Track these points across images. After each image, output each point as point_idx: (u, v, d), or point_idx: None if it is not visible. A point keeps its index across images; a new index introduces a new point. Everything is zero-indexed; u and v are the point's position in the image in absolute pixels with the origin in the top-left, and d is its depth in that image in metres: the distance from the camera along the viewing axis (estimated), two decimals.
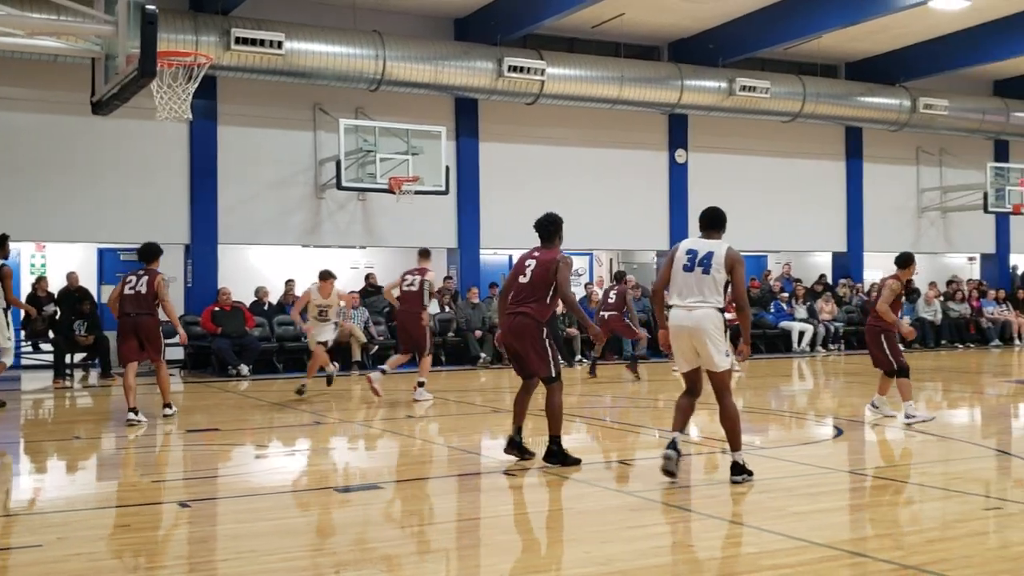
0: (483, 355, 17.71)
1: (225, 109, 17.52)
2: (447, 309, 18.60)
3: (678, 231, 21.21)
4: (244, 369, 15.93)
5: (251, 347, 16.15)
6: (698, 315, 6.99)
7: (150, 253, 11.00)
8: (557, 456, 7.73)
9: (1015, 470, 8.00)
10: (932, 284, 23.01)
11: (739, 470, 7.14)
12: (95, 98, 10.77)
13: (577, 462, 7.72)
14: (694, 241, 7.26)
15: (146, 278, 10.74)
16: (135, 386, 10.69)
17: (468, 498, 7.13)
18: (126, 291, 10.72)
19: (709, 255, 7.05)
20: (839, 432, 10.10)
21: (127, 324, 10.66)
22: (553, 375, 7.68)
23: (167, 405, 11.05)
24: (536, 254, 7.81)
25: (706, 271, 7.01)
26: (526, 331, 7.67)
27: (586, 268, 22.27)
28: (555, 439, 7.73)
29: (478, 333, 18.00)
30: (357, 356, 16.73)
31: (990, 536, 5.80)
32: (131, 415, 10.55)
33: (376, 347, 17.24)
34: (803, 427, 10.71)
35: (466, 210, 19.33)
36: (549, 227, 7.88)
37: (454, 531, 6.15)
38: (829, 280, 23.12)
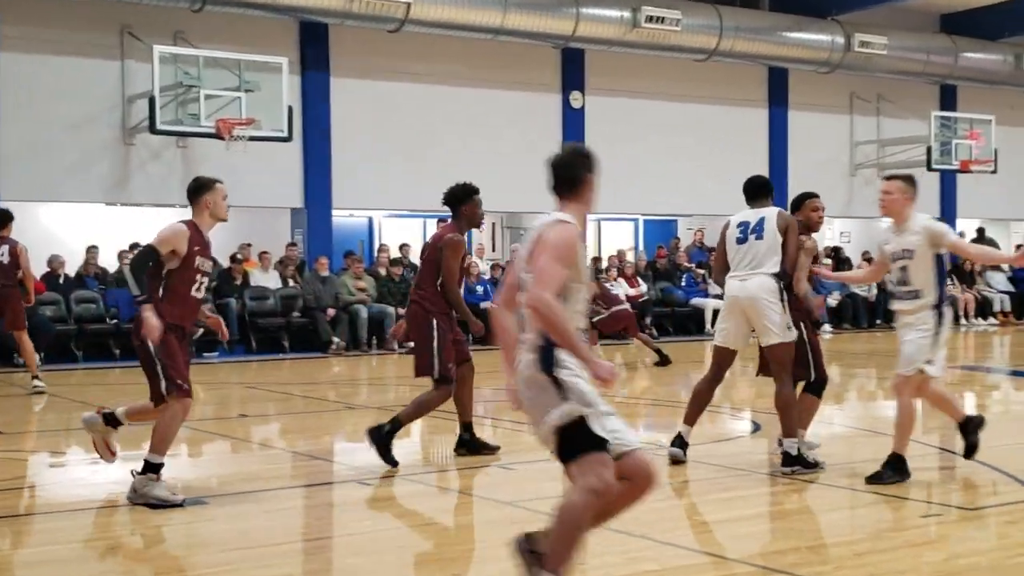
0: (336, 340, 17.60)
1: (8, 32, 16.88)
2: (291, 283, 18.40)
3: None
4: (36, 358, 15.42)
5: (42, 330, 15.63)
6: (752, 285, 7.76)
7: (2, 219, 12.27)
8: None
9: (960, 471, 8.39)
10: (866, 254, 23.85)
11: (790, 460, 7.76)
12: None
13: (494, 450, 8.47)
14: (744, 214, 8.15)
15: (6, 247, 12.07)
16: None
17: (316, 514, 7.10)
18: None
19: (761, 221, 7.95)
20: (757, 427, 10.41)
21: None
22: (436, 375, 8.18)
23: (36, 377, 12.31)
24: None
25: (759, 237, 7.87)
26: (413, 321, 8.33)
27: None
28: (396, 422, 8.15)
29: (330, 312, 17.87)
30: None
31: (929, 547, 6.08)
32: None
33: (200, 331, 16.90)
34: (716, 421, 10.99)
35: (315, 161, 19.11)
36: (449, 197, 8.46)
37: (299, 553, 6.13)
38: None
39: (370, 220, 21.97)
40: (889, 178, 7.68)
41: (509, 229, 23.77)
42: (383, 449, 8.01)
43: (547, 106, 21.47)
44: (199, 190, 7.20)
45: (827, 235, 26.33)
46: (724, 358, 8.18)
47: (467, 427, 8.50)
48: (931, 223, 7.44)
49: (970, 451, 7.87)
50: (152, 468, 6.88)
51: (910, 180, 7.60)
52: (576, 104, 21.65)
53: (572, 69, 21.60)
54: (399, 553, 6.15)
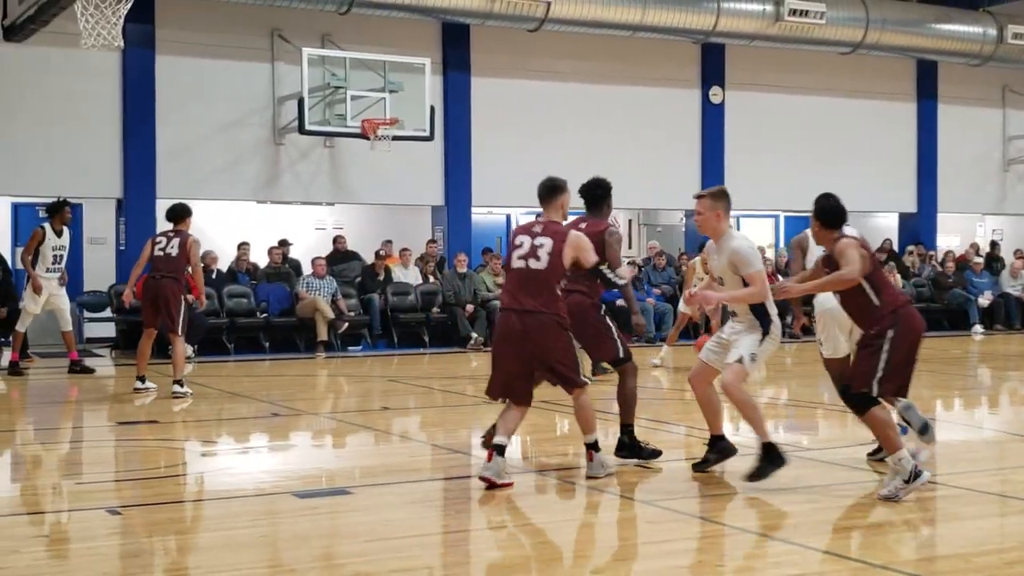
0: (474, 335, 17.75)
1: (164, 35, 17.45)
2: (431, 280, 18.62)
3: (711, 184, 21.16)
4: (188, 350, 15.96)
5: (197, 324, 16.15)
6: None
7: (179, 213, 12.22)
8: (628, 448, 8.01)
9: None
10: (1019, 252, 22.98)
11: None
12: (7, 21, 10.73)
13: (655, 454, 8.01)
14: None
15: (177, 240, 11.97)
16: (148, 354, 12.09)
17: (456, 507, 7.16)
18: (156, 252, 11.94)
19: None
20: (904, 431, 10.10)
21: (149, 286, 11.95)
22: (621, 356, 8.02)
23: (177, 382, 11.78)
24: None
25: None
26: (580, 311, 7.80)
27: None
28: (626, 428, 8.03)
29: (469, 308, 18.03)
30: (323, 335, 16.77)
31: None
32: (138, 383, 11.99)
33: (346, 325, 17.27)
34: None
35: (455, 160, 19.30)
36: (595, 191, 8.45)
37: (438, 545, 6.19)
38: (895, 247, 23.10)
39: (508, 217, 22.08)
40: (698, 197, 7.56)
41: (646, 226, 23.63)
42: (640, 453, 7.96)
43: (686, 102, 21.26)
44: None
45: (979, 232, 25.50)
46: (834, 366, 8.45)
47: (627, 428, 8.11)
48: (737, 247, 7.31)
49: (701, 465, 7.56)
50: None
51: (717, 195, 7.52)
52: (716, 100, 21.38)
53: (712, 64, 21.34)
54: (538, 548, 6.16)
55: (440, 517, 6.94)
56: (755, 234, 23.54)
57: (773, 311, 7.36)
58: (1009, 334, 20.83)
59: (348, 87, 17.08)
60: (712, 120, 21.35)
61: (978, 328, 20.94)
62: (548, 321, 7.22)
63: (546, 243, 7.32)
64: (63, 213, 13.82)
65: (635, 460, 7.94)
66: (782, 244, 23.54)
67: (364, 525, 6.43)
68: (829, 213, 7.49)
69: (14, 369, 13.75)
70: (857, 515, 6.66)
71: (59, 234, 13.74)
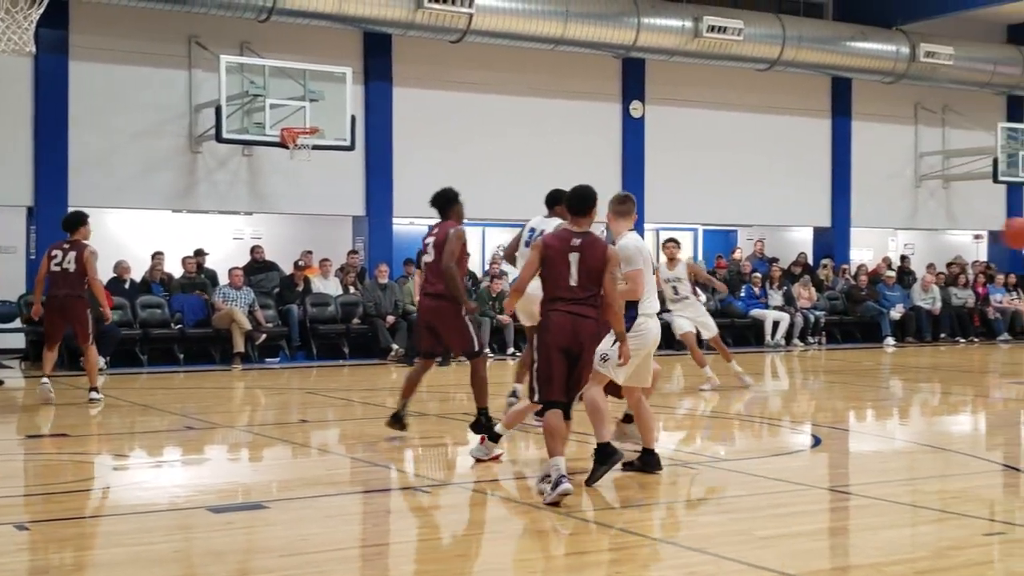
0: (395, 347, 17.68)
1: (78, 41, 17.16)
2: (352, 290, 18.53)
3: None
4: (100, 361, 15.67)
5: (109, 334, 15.87)
6: None
7: (73, 222, 11.92)
8: (483, 427, 8.95)
9: None
10: (930, 266, 23.53)
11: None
12: None
13: (498, 437, 8.56)
14: None
15: (73, 253, 11.65)
16: (52, 361, 12.14)
17: (374, 520, 7.14)
18: (52, 267, 11.70)
19: None
20: (817, 441, 10.31)
21: (54, 306, 11.77)
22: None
23: (94, 389, 11.79)
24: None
25: None
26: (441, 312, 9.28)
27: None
28: (482, 410, 9.24)
29: (390, 319, 17.96)
30: (240, 347, 16.59)
31: (991, 567, 5.98)
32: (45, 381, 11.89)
33: (263, 336, 17.11)
34: (776, 435, 10.91)
35: (376, 170, 19.24)
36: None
37: (356, 559, 6.15)
38: (810, 260, 23.51)
39: (430, 228, 22.00)
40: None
41: None
42: (491, 434, 8.59)
43: (607, 116, 21.44)
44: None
45: (891, 247, 26.05)
46: None
47: (483, 411, 9.28)
48: (622, 244, 7.83)
49: (591, 479, 7.57)
50: None
51: (618, 199, 8.12)
52: (636, 114, 21.59)
53: (632, 79, 21.55)
54: (457, 562, 6.16)
55: (358, 531, 6.91)
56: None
57: (644, 311, 7.82)
58: (920, 346, 21.30)
59: (267, 95, 16.93)
60: (632, 134, 21.56)
61: (890, 340, 21.38)
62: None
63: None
64: None
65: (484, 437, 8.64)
66: (700, 257, 23.83)
67: (280, 540, 6.37)
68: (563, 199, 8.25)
69: None
70: (771, 525, 6.75)
71: None
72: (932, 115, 24.50)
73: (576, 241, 7.41)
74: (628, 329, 7.56)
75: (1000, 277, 23.93)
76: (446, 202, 9.80)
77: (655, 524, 7.00)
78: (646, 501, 7.42)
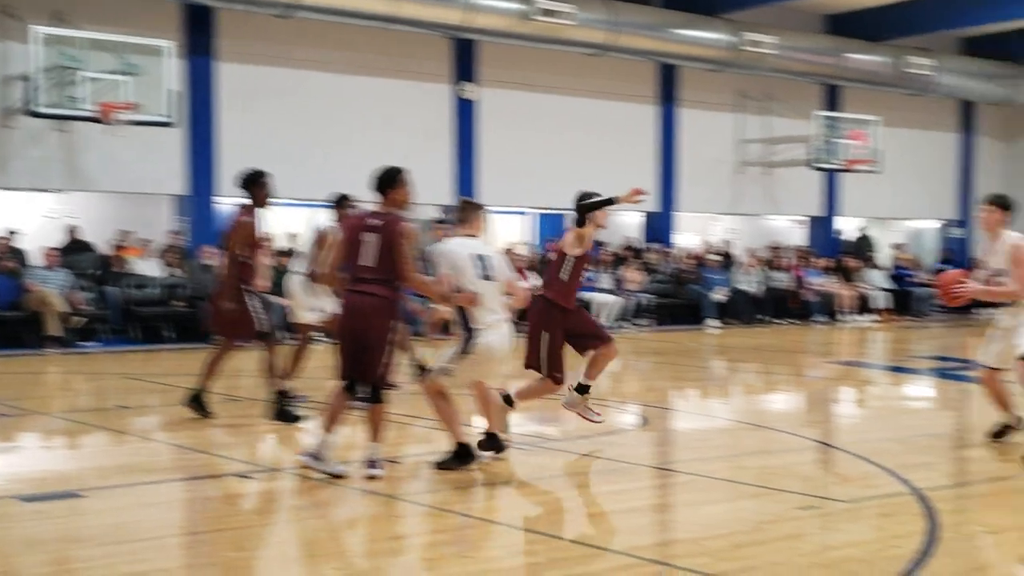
0: None
1: None
2: (175, 272, 18.06)
3: (465, 183, 21.43)
4: None
5: None
6: None
7: None
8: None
9: (837, 464, 8.62)
10: (752, 250, 24.33)
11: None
12: None
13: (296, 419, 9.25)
14: None
15: None
16: None
17: (195, 507, 7.00)
18: None
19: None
20: (644, 421, 10.56)
21: None
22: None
23: None
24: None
25: None
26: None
27: None
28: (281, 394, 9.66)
29: None
30: (54, 330, 15.99)
31: (805, 539, 6.24)
32: None
33: (80, 319, 16.54)
34: (603, 415, 11.11)
35: (199, 148, 18.77)
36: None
37: (176, 547, 6.03)
38: (638, 244, 24.01)
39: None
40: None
41: None
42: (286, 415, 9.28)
43: (439, 96, 21.41)
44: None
45: (715, 231, 26.81)
46: None
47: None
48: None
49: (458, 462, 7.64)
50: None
51: (463, 206, 8.16)
52: (468, 95, 21.62)
53: (464, 60, 21.57)
54: (279, 547, 6.09)
55: (179, 518, 6.76)
56: (508, 231, 24.00)
57: (477, 324, 7.48)
58: (742, 328, 22.01)
59: (83, 68, 16.32)
60: (465, 115, 21.58)
61: (713, 322, 22.03)
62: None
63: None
64: None
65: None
66: (534, 240, 24.07)
67: (97, 529, 6.19)
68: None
69: None
70: (599, 503, 6.90)
71: None
72: (755, 103, 25.25)
73: (373, 221, 7.38)
74: (465, 349, 7.45)
75: (817, 261, 24.90)
76: (245, 183, 9.85)
77: (479, 505, 7.06)
78: (473, 484, 7.47)
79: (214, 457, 8.56)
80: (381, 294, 7.21)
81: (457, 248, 7.67)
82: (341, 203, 10.61)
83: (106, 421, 10.22)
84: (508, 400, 8.32)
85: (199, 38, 18.72)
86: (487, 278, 7.54)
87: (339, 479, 7.21)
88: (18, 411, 10.64)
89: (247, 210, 9.74)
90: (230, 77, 19.08)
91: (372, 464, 7.27)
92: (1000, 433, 8.86)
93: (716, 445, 9.21)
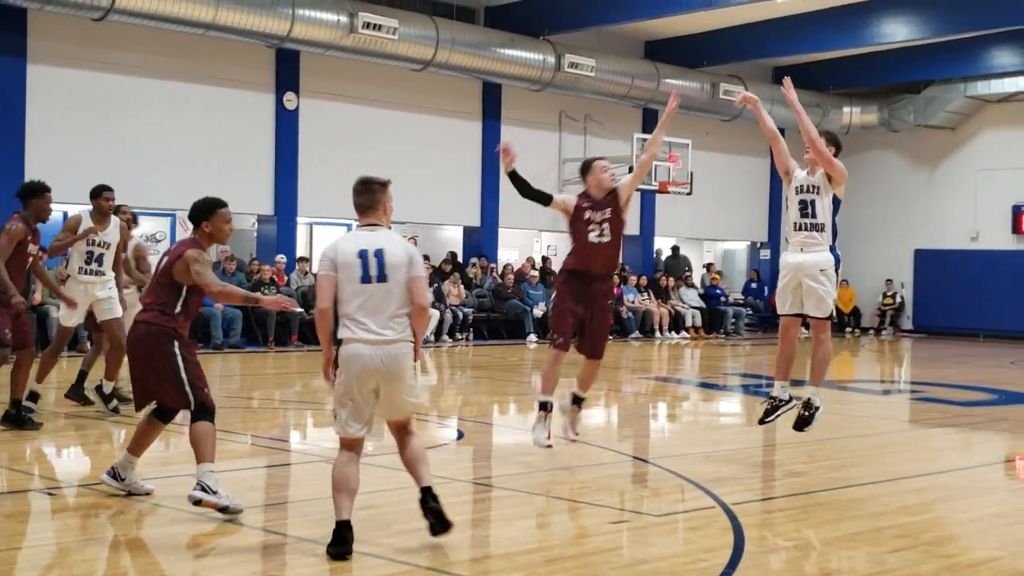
0: None
1: None
2: None
3: (286, 193, 21.10)
4: None
5: None
6: None
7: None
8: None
9: (650, 478, 8.76)
10: None
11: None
12: None
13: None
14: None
15: None
16: None
17: None
18: None
19: None
20: (461, 435, 10.53)
21: None
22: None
23: None
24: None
25: None
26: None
27: (167, 234, 21.46)
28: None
29: None
30: None
31: (618, 553, 6.29)
32: None
33: None
34: (423, 430, 11.03)
35: (6, 151, 17.94)
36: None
37: None
38: (460, 259, 24.06)
39: (64, 215, 20.81)
40: None
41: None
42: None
43: (259, 106, 21.02)
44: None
45: (535, 247, 27.09)
46: None
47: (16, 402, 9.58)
48: None
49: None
50: None
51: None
52: (290, 105, 21.29)
53: (287, 70, 21.24)
54: (84, 566, 5.82)
55: None
56: (327, 243, 23.73)
57: (344, 334, 6.13)
58: None
59: None
60: (286, 126, 21.23)
61: (532, 337, 22.23)
62: None
63: None
64: None
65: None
66: None
67: None
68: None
69: None
70: (411, 520, 6.81)
71: None
72: (575, 123, 25.65)
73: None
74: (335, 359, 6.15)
75: (632, 279, 25.41)
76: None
77: (291, 522, 6.89)
78: (285, 500, 7.29)
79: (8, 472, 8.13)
80: (153, 320, 6.88)
81: (332, 244, 6.34)
82: (97, 194, 10.51)
83: None
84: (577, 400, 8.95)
85: (9, 38, 17.94)
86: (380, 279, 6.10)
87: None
88: None
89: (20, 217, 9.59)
90: (42, 80, 18.34)
91: (202, 488, 6.60)
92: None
93: (533, 460, 9.23)
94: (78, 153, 18.33)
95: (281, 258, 20.66)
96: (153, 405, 7.09)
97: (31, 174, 17.91)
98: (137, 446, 7.12)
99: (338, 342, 6.10)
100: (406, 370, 6.07)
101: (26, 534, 6.46)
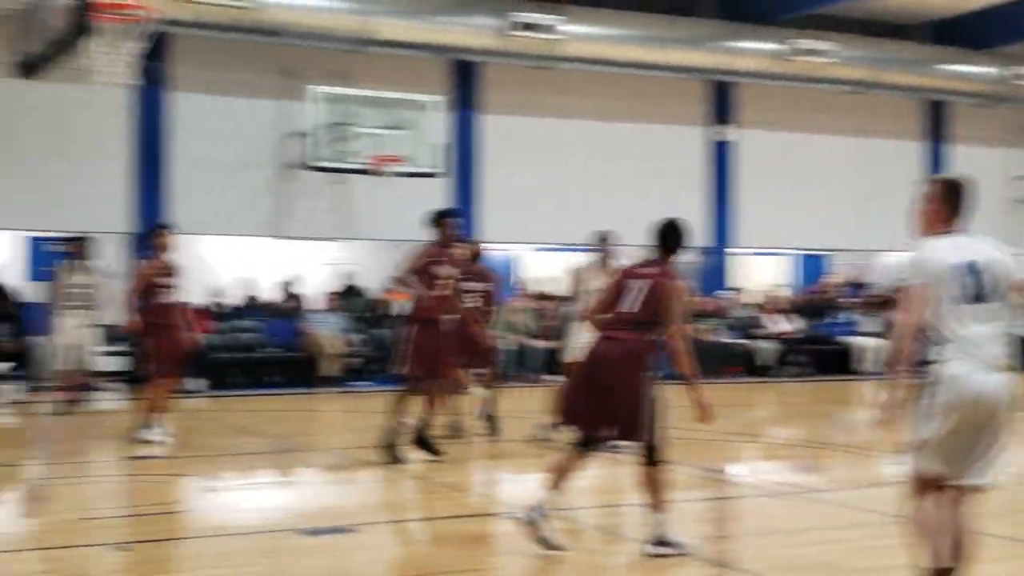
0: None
1: (177, 72, 17.64)
2: None
3: (720, 224, 21.28)
4: (198, 384, 16.05)
5: (203, 356, 16.26)
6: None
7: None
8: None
9: None
10: None
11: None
12: (23, 58, 10.90)
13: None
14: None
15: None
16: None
17: (459, 546, 7.16)
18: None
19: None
20: None
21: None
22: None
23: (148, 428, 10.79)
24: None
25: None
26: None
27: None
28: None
29: None
30: (330, 370, 16.81)
31: None
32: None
33: (354, 359, 17.31)
34: (867, 466, 10.75)
35: (463, 196, 19.42)
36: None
37: None
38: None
39: (513, 255, 22.14)
40: None
41: None
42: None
43: (695, 140, 21.39)
44: None
45: None
46: None
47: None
48: None
49: None
50: None
51: None
52: (726, 138, 21.50)
53: (721, 102, 21.49)
54: None
55: (450, 556, 6.95)
56: (768, 272, 23.67)
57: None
58: None
59: (357, 124, 17.25)
60: (721, 158, 21.47)
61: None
62: None
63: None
64: (80, 249, 13.23)
65: None
66: (792, 281, 23.59)
67: (366, 565, 6.46)
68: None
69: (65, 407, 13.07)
70: (865, 557, 6.65)
71: (80, 270, 13.21)
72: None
73: (645, 270, 6.78)
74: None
75: None
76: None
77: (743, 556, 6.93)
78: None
79: (477, 497, 8.76)
80: (633, 340, 6.56)
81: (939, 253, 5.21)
82: (602, 240, 10.64)
83: (376, 458, 10.64)
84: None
85: (465, 92, 19.44)
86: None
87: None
88: (295, 447, 11.24)
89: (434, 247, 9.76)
90: (493, 128, 19.69)
91: (660, 542, 6.43)
92: None
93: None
94: (527, 196, 19.49)
95: (721, 293, 20.77)
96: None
97: (488, 216, 19.40)
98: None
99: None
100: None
101: (486, 555, 6.95)
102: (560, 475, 6.51)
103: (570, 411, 6.73)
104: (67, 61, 15.17)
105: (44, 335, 14.37)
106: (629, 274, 6.83)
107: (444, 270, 9.67)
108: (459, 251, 10.29)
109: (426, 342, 9.50)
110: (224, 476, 9.79)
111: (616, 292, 6.76)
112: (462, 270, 10.25)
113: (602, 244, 10.76)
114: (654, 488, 6.47)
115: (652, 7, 19.99)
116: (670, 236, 6.83)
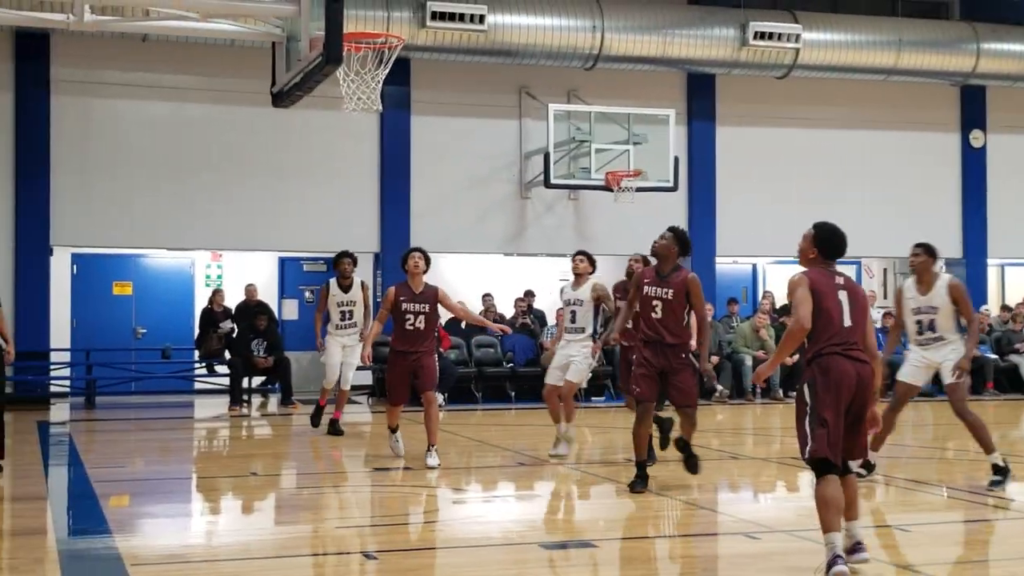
0: (719, 387, 17.53)
1: (419, 97, 18.24)
2: None
3: (974, 233, 20.32)
4: (440, 398, 16.45)
5: (447, 373, 16.66)
6: None
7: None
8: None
9: None
10: None
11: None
12: (275, 88, 11.48)
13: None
14: None
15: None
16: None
17: (702, 565, 7.08)
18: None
19: None
20: None
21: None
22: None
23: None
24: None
25: None
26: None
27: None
28: None
29: (714, 359, 17.82)
30: None
31: None
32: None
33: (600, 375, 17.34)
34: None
35: (699, 210, 19.25)
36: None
37: None
38: None
39: (754, 267, 21.77)
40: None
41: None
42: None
43: (944, 146, 20.51)
44: None
45: None
46: None
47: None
48: None
49: None
50: None
51: None
52: (976, 143, 20.53)
53: (972, 107, 20.54)
54: None
55: None
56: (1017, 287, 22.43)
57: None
58: None
59: (592, 140, 17.37)
60: (973, 164, 20.53)
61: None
62: None
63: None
64: (341, 266, 13.12)
65: None
66: None
67: None
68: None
69: (334, 428, 13.01)
70: None
71: (345, 289, 13.12)
72: None
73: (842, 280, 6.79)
74: None
75: None
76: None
77: None
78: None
79: (717, 514, 8.64)
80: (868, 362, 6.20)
81: None
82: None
83: (614, 474, 10.62)
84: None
85: (700, 104, 19.29)
86: None
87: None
88: (536, 461, 11.33)
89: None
90: (729, 140, 19.46)
91: (857, 548, 6.24)
92: None
93: None
94: (763, 208, 19.13)
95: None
96: None
97: (724, 229, 19.17)
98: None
99: None
100: None
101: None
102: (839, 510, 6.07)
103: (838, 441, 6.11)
104: (318, 89, 15.93)
105: (297, 351, 15.03)
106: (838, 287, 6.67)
107: (650, 290, 9.58)
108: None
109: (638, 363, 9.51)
110: (466, 488, 9.98)
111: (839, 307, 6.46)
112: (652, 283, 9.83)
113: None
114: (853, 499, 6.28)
115: (894, 11, 19.36)
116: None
